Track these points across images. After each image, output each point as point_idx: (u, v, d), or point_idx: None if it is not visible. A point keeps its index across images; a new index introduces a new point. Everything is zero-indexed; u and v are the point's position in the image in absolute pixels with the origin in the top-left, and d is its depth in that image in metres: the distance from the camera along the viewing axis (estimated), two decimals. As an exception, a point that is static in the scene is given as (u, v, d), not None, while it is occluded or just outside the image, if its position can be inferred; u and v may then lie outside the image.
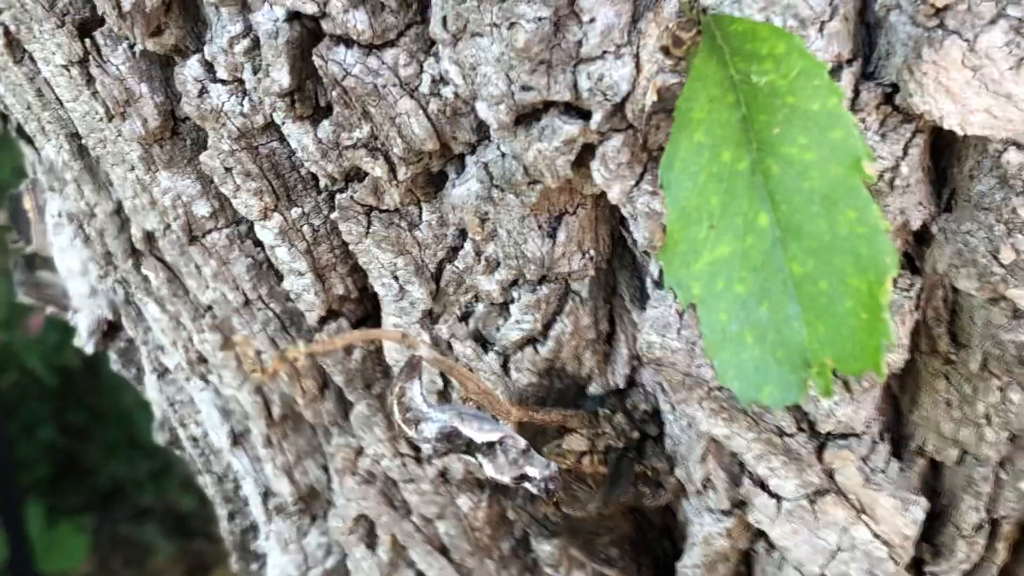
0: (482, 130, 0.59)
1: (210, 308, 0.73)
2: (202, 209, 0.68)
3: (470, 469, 0.71)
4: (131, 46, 0.63)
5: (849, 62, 0.53)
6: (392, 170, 0.61)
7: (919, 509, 0.65)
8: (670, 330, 0.61)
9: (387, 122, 0.59)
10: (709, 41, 0.51)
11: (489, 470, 0.54)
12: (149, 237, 0.73)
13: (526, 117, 0.57)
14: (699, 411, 0.63)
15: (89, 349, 0.88)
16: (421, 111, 0.58)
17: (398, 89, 0.58)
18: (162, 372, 0.87)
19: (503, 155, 0.59)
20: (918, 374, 0.63)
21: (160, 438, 0.93)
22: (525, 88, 0.55)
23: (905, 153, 0.55)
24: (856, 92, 0.53)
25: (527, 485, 0.55)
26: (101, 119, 0.66)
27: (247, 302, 0.70)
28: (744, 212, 0.49)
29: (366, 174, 0.62)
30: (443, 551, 0.77)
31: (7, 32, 0.66)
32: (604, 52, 0.54)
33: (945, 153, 0.57)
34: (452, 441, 0.54)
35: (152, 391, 0.89)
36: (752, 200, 0.49)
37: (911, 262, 0.59)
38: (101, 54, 0.63)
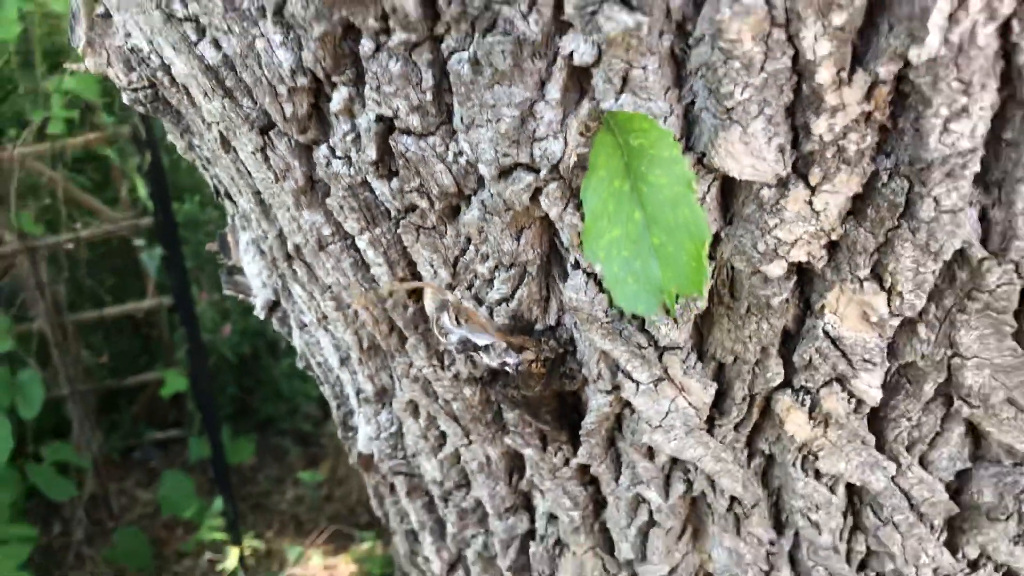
0: (480, 182, 0.61)
1: (329, 287, 0.75)
2: (326, 231, 0.70)
3: (471, 371, 0.74)
4: (290, 139, 0.64)
5: (680, 139, 0.55)
6: (431, 205, 0.63)
7: (712, 388, 0.68)
8: (580, 291, 0.64)
9: (429, 177, 0.61)
10: (606, 124, 0.52)
11: (486, 359, 0.59)
12: (297, 248, 0.74)
13: (505, 173, 0.58)
14: (595, 335, 0.66)
15: (262, 316, 0.88)
16: (448, 171, 0.60)
17: (435, 159, 0.60)
18: (302, 326, 0.87)
19: (492, 195, 0.60)
20: (712, 315, 0.66)
21: (300, 364, 0.93)
22: (505, 155, 0.57)
23: (709, 189, 0.58)
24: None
25: (507, 367, 0.59)
26: (273, 182, 0.68)
27: (351, 283, 0.72)
28: (627, 212, 0.51)
29: (416, 207, 0.64)
30: (455, 419, 0.79)
31: (222, 135, 0.67)
32: (548, 135, 0.55)
33: (732, 189, 0.59)
34: (466, 345, 0.59)
35: (296, 339, 0.90)
36: (631, 205, 0.50)
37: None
38: (273, 144, 0.64)
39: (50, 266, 2.58)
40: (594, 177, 0.53)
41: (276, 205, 0.72)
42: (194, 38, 0.60)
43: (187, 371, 2.57)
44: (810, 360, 0.66)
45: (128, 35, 0.64)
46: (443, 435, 0.83)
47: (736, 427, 0.72)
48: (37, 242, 2.50)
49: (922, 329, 0.63)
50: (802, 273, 0.64)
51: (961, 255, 0.59)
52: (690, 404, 0.69)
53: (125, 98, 0.70)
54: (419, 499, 0.90)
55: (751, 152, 0.55)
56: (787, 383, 0.68)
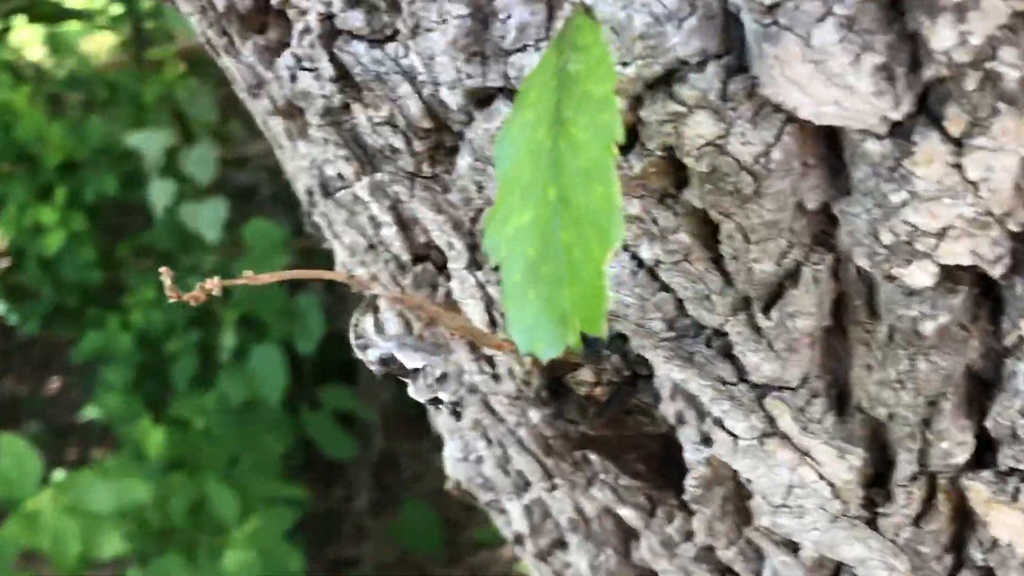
0: (470, 113, 0.59)
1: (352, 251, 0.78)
2: (330, 170, 0.72)
3: (522, 389, 0.71)
4: (253, 41, 0.66)
5: (718, 56, 0.49)
6: (409, 145, 0.63)
7: (855, 458, 0.62)
8: (624, 287, 0.60)
9: (393, 105, 0.60)
10: (559, 35, 0.48)
11: (411, 391, 0.58)
12: (309, 194, 0.78)
13: (480, 102, 0.57)
14: (655, 357, 0.62)
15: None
16: (417, 96, 0.60)
17: (398, 77, 0.59)
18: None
19: (477, 134, 0.59)
20: (849, 340, 0.60)
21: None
22: (468, 76, 0.55)
23: (777, 139, 0.51)
24: (724, 84, 0.49)
25: (440, 406, 0.58)
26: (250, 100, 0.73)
27: (371, 246, 0.74)
28: (543, 184, 0.47)
29: (395, 148, 0.64)
30: (527, 451, 0.78)
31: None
32: (522, 44, 0.54)
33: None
34: (388, 365, 0.58)
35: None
36: (548, 174, 0.47)
37: (829, 239, 0.55)
38: (235, 46, 0.68)
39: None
40: (517, 120, 0.49)
41: (276, 135, 0.76)
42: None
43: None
44: (1013, 428, 0.56)
45: None
46: (524, 474, 0.82)
47: (917, 520, 0.63)
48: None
49: None
50: (986, 284, 0.55)
51: None
52: (822, 478, 0.63)
53: None
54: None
55: (827, 78, 0.48)
56: (983, 460, 0.61)
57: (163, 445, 2.66)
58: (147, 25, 3.28)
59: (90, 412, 3.02)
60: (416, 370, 0.60)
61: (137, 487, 2.43)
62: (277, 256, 2.74)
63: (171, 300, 0.50)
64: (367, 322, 0.61)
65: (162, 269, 0.50)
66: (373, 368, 0.61)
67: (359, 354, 0.61)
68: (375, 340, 0.60)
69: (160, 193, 2.84)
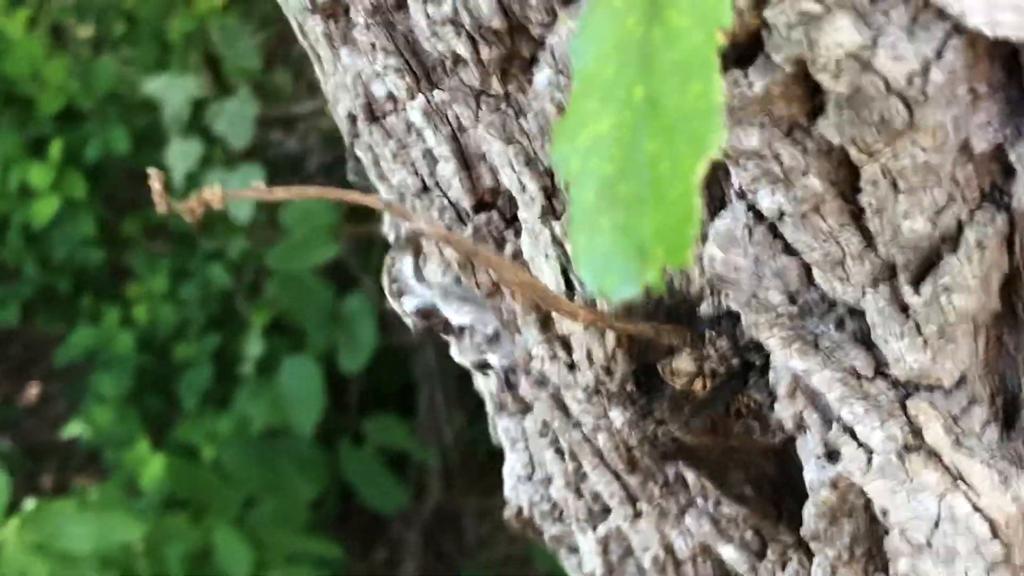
0: (554, 7, 0.62)
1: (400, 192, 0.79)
2: (377, 88, 0.74)
3: (604, 379, 0.74)
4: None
5: None
6: (476, 49, 0.65)
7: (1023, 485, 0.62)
8: (736, 245, 0.62)
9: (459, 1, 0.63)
10: None
11: (454, 351, 0.60)
12: (352, 119, 0.79)
13: None
14: (772, 339, 0.63)
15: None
16: None
17: None
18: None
19: (562, 38, 0.61)
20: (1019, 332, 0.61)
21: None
22: None
23: (939, 56, 0.52)
24: None
25: (489, 371, 0.60)
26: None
27: (425, 187, 0.76)
28: (628, 83, 0.49)
29: (459, 57, 0.66)
30: (606, 465, 0.79)
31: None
32: None
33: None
34: (429, 318, 0.60)
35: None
36: (636, 70, 0.49)
37: (1001, 195, 0.57)
38: None
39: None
40: (601, 7, 0.51)
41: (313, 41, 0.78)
42: None
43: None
44: None
45: None
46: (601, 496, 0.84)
47: None
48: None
49: None
50: None
51: None
52: (978, 510, 0.64)
53: None
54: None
55: None
56: None
57: (162, 477, 2.69)
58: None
59: (74, 429, 3.04)
60: (462, 327, 0.62)
61: (125, 526, 2.47)
62: (323, 244, 2.77)
63: (160, 211, 0.52)
64: (405, 263, 0.63)
65: (151, 170, 0.52)
66: (408, 321, 0.63)
67: (392, 302, 0.63)
68: (413, 286, 0.62)
69: (181, 156, 2.89)
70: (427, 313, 0.62)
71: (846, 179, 0.58)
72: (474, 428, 3.18)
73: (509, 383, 0.62)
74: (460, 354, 0.63)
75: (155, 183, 0.53)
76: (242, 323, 2.93)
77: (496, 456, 0.92)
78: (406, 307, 0.62)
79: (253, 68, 3.06)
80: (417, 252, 0.63)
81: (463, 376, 2.59)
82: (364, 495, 2.86)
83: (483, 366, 0.63)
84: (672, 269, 0.58)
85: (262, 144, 3.06)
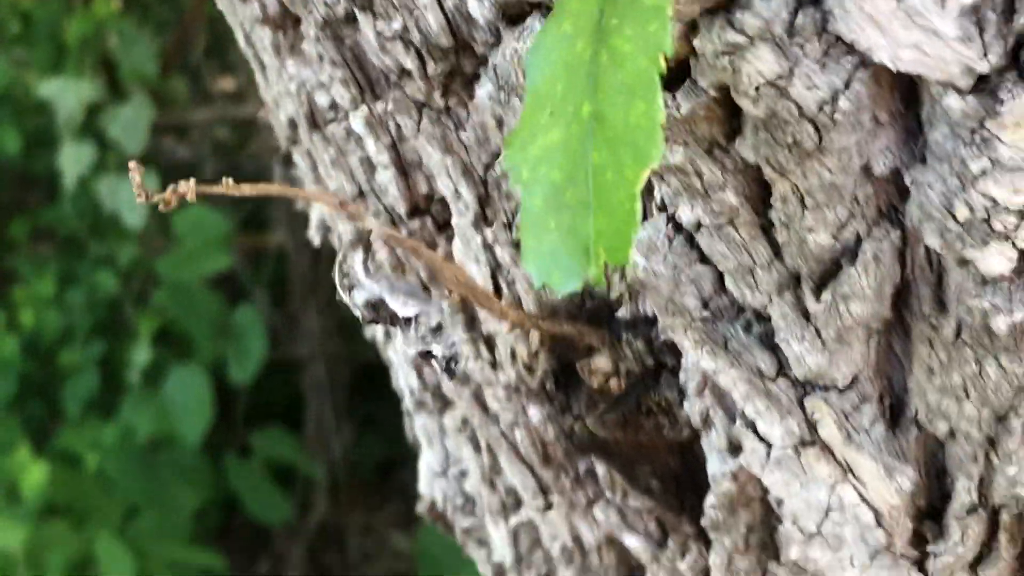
0: (499, 32, 0.65)
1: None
2: (321, 98, 0.78)
3: (524, 377, 0.77)
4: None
5: None
6: (422, 64, 0.68)
7: (906, 478, 0.67)
8: (656, 253, 0.65)
9: (408, 16, 0.66)
10: None
11: (400, 342, 0.64)
12: (292, 124, 0.84)
13: (513, 19, 0.63)
14: (685, 340, 0.68)
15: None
16: (437, 6, 0.65)
17: None
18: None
19: (504, 58, 0.64)
20: (910, 337, 0.65)
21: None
22: None
23: (847, 86, 0.56)
24: (792, 15, 0.54)
25: (433, 362, 0.64)
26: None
27: (361, 192, 0.80)
28: (577, 100, 0.53)
29: (406, 70, 0.69)
30: (521, 459, 0.83)
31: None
32: None
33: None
34: (377, 311, 0.64)
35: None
36: (584, 89, 0.53)
37: (896, 213, 0.61)
38: None
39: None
40: (553, 31, 0.55)
41: (260, 50, 0.82)
42: None
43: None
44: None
45: None
46: (514, 489, 0.89)
47: (974, 565, 0.70)
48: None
49: None
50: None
51: None
52: (864, 500, 0.69)
53: None
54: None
55: (908, 16, 0.53)
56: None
57: (43, 484, 2.65)
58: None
59: (-50, 435, 3.01)
60: (408, 319, 0.66)
61: (4, 531, 2.45)
62: (216, 253, 2.78)
63: (138, 200, 0.56)
64: (356, 259, 0.67)
65: (131, 164, 0.56)
66: (358, 313, 0.66)
67: (343, 296, 0.67)
68: (363, 281, 0.66)
69: (73, 160, 2.87)
70: (375, 305, 0.66)
71: (759, 195, 0.62)
72: (361, 444, 3.20)
73: (451, 372, 0.66)
74: (405, 343, 0.66)
75: (134, 174, 0.57)
76: (129, 331, 2.91)
77: (383, 473, 0.97)
78: (356, 300, 0.66)
79: (150, 73, 3.05)
80: (367, 249, 0.67)
81: (352, 391, 2.62)
82: (249, 507, 2.86)
83: (427, 355, 0.67)
84: (612, 267, 0.63)
85: (156, 150, 3.06)
